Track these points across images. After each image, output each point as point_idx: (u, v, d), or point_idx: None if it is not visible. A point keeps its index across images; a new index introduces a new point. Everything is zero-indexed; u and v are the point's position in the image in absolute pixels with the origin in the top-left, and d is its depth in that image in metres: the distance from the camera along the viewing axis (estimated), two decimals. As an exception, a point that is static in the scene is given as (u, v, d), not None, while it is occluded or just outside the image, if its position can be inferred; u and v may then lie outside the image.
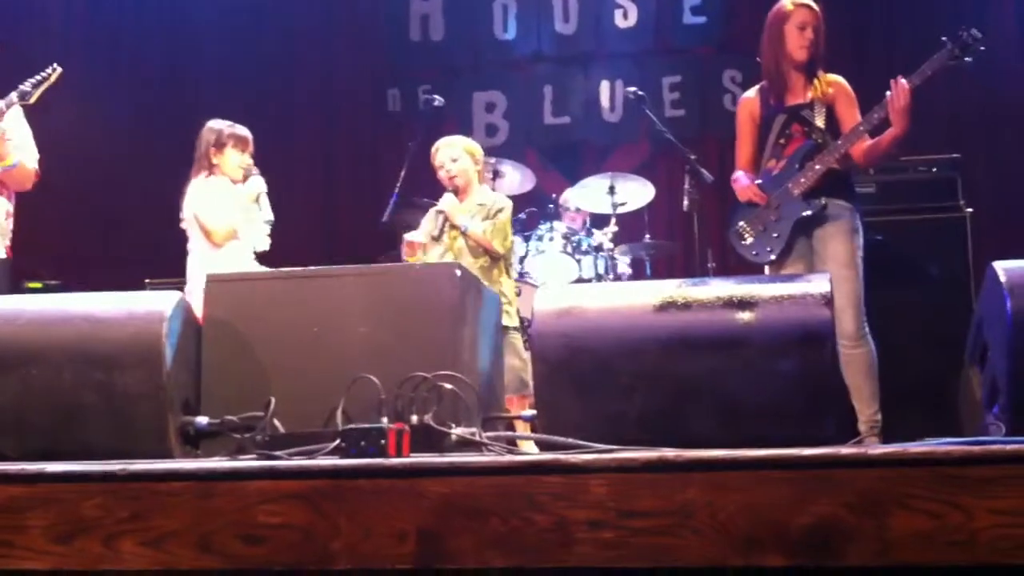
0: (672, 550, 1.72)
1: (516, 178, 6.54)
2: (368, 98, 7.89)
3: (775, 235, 4.26)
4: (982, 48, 4.06)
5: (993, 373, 2.49)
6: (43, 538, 1.87)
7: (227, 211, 4.72)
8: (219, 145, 4.82)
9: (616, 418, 2.39)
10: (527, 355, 4.68)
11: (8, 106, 4.46)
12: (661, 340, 2.42)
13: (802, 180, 4.21)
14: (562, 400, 2.46)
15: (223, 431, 2.58)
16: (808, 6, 4.29)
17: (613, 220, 6.25)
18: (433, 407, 2.39)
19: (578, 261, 5.96)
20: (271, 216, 4.75)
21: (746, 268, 4.59)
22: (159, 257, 5.06)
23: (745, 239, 4.35)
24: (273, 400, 2.49)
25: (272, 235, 4.82)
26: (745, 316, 2.39)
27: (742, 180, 4.35)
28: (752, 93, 4.47)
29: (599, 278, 5.91)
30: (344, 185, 7.86)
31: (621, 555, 1.73)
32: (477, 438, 2.30)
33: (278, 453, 2.16)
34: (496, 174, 6.25)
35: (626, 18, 7.73)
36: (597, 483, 1.75)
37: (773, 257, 4.27)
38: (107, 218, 7.28)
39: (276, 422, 2.47)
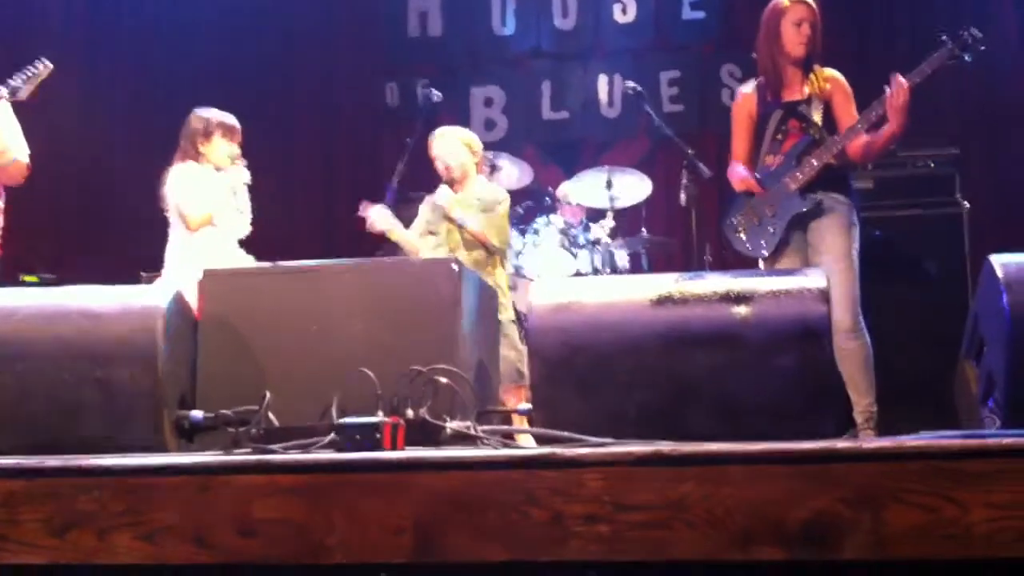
0: (668, 544, 1.72)
1: (514, 173, 6.54)
2: (366, 93, 7.87)
3: (770, 230, 4.26)
4: (982, 47, 4.06)
5: (989, 367, 2.49)
6: (38, 532, 1.87)
7: (205, 198, 4.69)
8: (207, 134, 4.79)
9: (614, 414, 2.39)
10: (523, 347, 4.68)
11: None
12: (658, 336, 2.42)
13: (799, 175, 4.21)
14: (560, 397, 2.46)
15: (218, 425, 2.58)
16: (805, 2, 4.28)
17: (610, 215, 6.24)
18: (429, 401, 2.39)
19: (575, 255, 5.96)
20: (245, 209, 4.73)
21: (743, 262, 4.59)
22: (154, 249, 5.04)
23: (740, 233, 4.35)
24: (268, 394, 2.48)
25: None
26: (742, 311, 2.39)
27: (740, 171, 4.35)
28: (749, 89, 4.47)
29: (596, 272, 5.91)
30: (342, 180, 7.85)
31: (617, 549, 1.73)
32: (472, 432, 2.30)
33: (273, 447, 2.16)
34: (494, 168, 6.24)
35: (625, 13, 7.72)
36: (593, 477, 1.75)
37: (767, 252, 4.27)
38: (102, 211, 7.26)
39: (271, 416, 2.46)
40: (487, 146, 5.73)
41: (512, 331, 4.77)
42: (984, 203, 5.53)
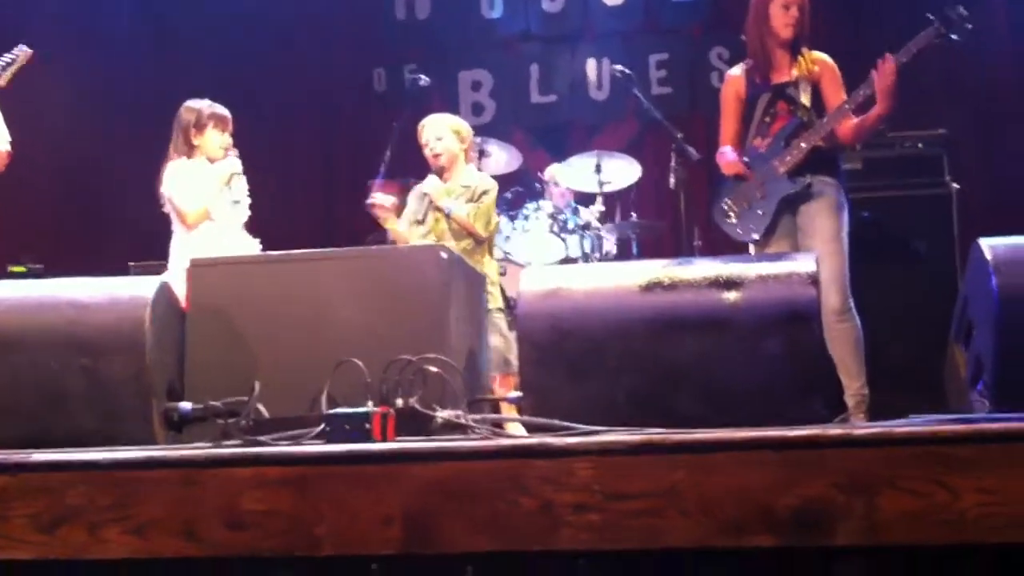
0: (659, 532, 1.72)
1: (502, 158, 6.52)
2: (354, 78, 7.84)
3: (760, 213, 4.26)
4: (969, 26, 4.05)
5: (978, 351, 2.49)
6: (26, 527, 1.86)
7: (200, 193, 4.67)
8: (199, 126, 4.76)
9: (604, 399, 2.39)
10: (511, 334, 4.67)
11: None
12: (648, 321, 2.42)
13: (788, 158, 4.20)
14: (549, 382, 2.46)
15: (207, 416, 2.57)
16: (793, -16, 4.27)
17: (599, 199, 6.23)
18: (419, 390, 2.38)
19: (564, 240, 5.95)
20: (242, 197, 4.71)
21: (733, 246, 4.58)
22: (143, 239, 5.02)
23: (730, 217, 4.34)
24: (258, 385, 2.47)
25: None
26: (732, 296, 2.39)
27: (728, 155, 4.34)
28: (737, 71, 4.46)
29: (586, 257, 5.90)
30: (330, 165, 7.83)
31: (608, 538, 1.73)
32: (463, 421, 2.29)
33: (262, 438, 2.15)
34: (482, 154, 6.22)
35: (613, -5, 7.69)
36: (583, 466, 1.75)
37: (757, 236, 4.26)
38: (91, 201, 7.23)
39: (260, 407, 2.45)
40: (476, 130, 5.71)
41: (500, 320, 4.76)
42: (973, 183, 5.53)
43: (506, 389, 4.53)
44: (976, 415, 2.35)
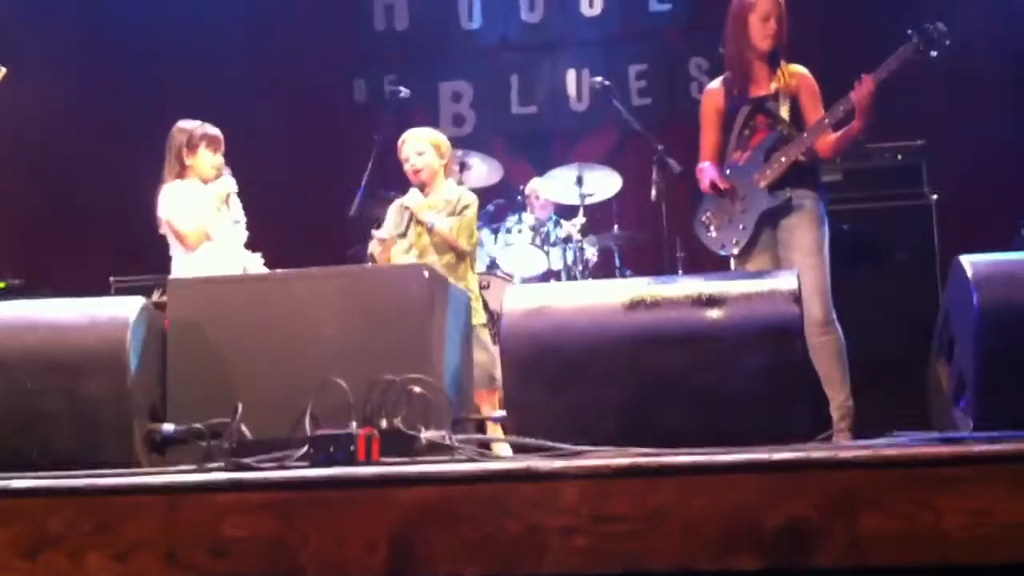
0: (645, 555, 1.71)
1: (483, 170, 6.51)
2: (334, 89, 7.82)
3: (741, 227, 4.27)
4: (947, 42, 4.08)
5: (960, 367, 2.50)
6: (8, 553, 1.85)
7: (196, 214, 4.66)
8: (191, 146, 4.76)
9: (589, 418, 2.39)
10: (495, 349, 4.67)
11: None
12: (631, 339, 2.41)
13: (768, 172, 4.22)
14: (533, 400, 2.46)
15: (189, 438, 2.55)
16: (771, -4, 4.29)
17: (581, 211, 6.23)
18: (403, 410, 2.37)
19: (547, 253, 5.95)
20: (240, 216, 4.71)
21: (715, 258, 4.59)
22: (124, 255, 4.99)
23: (710, 230, 4.36)
24: (240, 406, 2.46)
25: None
26: (714, 314, 2.39)
27: (708, 171, 4.36)
28: (716, 84, 4.47)
29: (568, 269, 5.90)
30: (309, 177, 7.79)
31: (594, 561, 1.72)
32: (448, 442, 2.29)
33: (246, 461, 2.14)
34: (463, 166, 6.22)
35: (591, 6, 7.71)
36: (569, 489, 1.74)
37: (737, 250, 4.28)
38: (72, 216, 7.19)
39: (244, 428, 2.44)
40: (456, 142, 5.71)
41: (484, 334, 4.76)
42: (952, 194, 5.55)
43: (491, 405, 4.53)
44: (959, 434, 2.36)
